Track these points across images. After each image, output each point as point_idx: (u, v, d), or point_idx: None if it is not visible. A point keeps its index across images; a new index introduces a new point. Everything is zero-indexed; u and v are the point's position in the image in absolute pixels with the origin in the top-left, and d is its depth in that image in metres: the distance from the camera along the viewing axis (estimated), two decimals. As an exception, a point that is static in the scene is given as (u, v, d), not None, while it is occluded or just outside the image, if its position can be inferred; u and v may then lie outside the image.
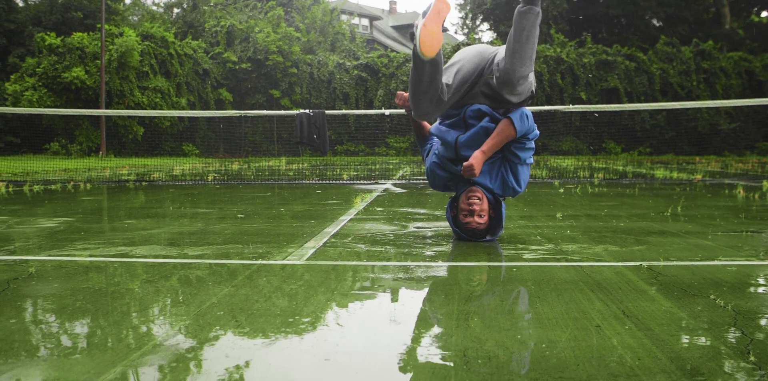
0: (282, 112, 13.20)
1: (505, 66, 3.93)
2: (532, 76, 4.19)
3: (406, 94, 4.36)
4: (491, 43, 31.87)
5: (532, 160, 4.35)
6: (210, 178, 11.98)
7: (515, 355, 2.02)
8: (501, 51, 4.13)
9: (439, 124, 4.46)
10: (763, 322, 2.40)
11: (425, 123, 4.75)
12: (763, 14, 39.99)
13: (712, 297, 2.75)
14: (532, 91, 4.22)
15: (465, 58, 4.22)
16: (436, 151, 4.50)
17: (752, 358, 1.98)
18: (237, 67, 29.36)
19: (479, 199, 4.20)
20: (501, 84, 4.02)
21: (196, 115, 23.15)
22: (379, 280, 3.18)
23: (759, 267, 3.48)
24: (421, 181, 10.94)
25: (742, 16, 38.46)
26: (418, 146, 4.83)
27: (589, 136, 27.98)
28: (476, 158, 4.12)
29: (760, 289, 2.99)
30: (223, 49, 29.83)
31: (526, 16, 3.86)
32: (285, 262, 3.61)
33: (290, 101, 29.58)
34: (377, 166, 17.07)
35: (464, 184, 4.35)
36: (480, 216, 4.20)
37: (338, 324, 2.40)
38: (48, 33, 26.80)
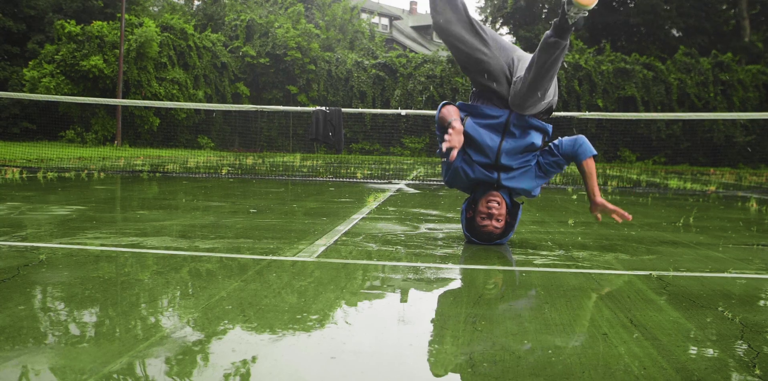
0: (298, 108, 13.25)
1: (519, 91, 4.05)
2: (552, 92, 4.22)
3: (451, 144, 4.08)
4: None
5: None
6: (224, 171, 12.03)
7: (521, 360, 2.02)
8: (523, 62, 4.19)
9: (473, 121, 4.27)
10: (771, 336, 2.39)
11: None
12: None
13: (720, 309, 2.74)
14: (552, 105, 4.29)
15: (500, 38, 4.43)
16: (465, 155, 4.32)
17: (757, 372, 1.98)
18: (255, 61, 29.42)
19: (498, 203, 4.23)
20: (512, 105, 4.18)
21: (212, 108, 23.22)
22: (388, 279, 3.19)
23: (770, 281, 3.46)
24: (435, 183, 10.93)
25: (762, 29, 38.19)
26: (438, 134, 4.49)
27: (605, 144, 27.89)
28: (606, 203, 4.36)
29: (770, 304, 2.98)
30: (242, 43, 29.89)
31: (551, 50, 3.85)
32: (295, 258, 3.62)
33: (307, 98, 29.61)
34: (391, 166, 17.09)
35: (486, 188, 4.33)
36: (498, 220, 4.22)
37: (346, 322, 2.41)
38: (68, 20, 26.92)
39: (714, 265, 3.83)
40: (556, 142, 4.37)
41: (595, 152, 4.33)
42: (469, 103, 4.42)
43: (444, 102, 4.37)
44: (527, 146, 4.25)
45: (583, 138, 4.34)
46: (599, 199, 4.36)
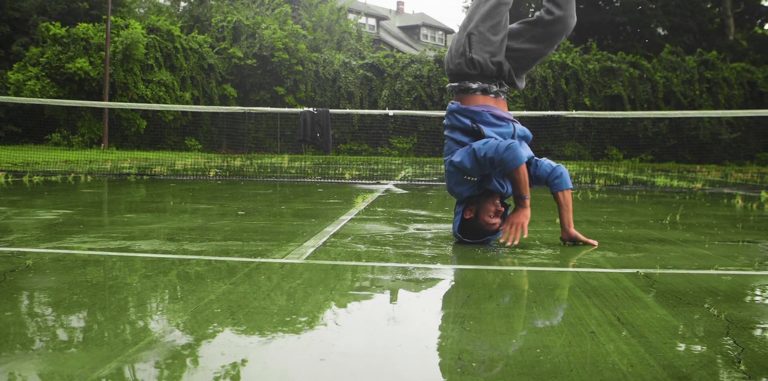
0: (286, 109, 13.25)
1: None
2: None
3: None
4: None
5: None
6: (212, 173, 12.00)
7: (510, 359, 2.03)
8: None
9: (488, 128, 4.28)
10: (755, 331, 2.41)
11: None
12: (767, 26, 40.06)
13: (706, 306, 2.76)
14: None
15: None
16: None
17: (742, 367, 2.00)
18: (242, 63, 29.35)
19: (503, 204, 4.38)
20: (559, 29, 4.42)
21: (199, 110, 23.12)
22: (377, 280, 3.19)
23: (753, 277, 3.49)
24: (423, 183, 10.95)
25: (746, 27, 38.52)
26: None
27: (592, 142, 28.00)
28: (578, 234, 4.44)
29: (754, 299, 3.00)
30: (229, 45, 29.81)
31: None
32: (284, 260, 3.62)
33: (295, 99, 29.56)
34: (380, 166, 17.09)
35: (489, 192, 4.36)
36: (501, 218, 4.34)
37: (335, 324, 2.41)
38: (53, 22, 26.74)
39: (700, 262, 3.86)
40: (535, 160, 4.44)
41: (571, 186, 4.39)
42: (473, 108, 4.34)
43: (512, 143, 4.06)
44: (529, 158, 4.37)
45: (562, 168, 4.39)
46: (573, 230, 4.42)
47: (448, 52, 4.52)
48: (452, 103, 4.45)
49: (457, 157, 4.21)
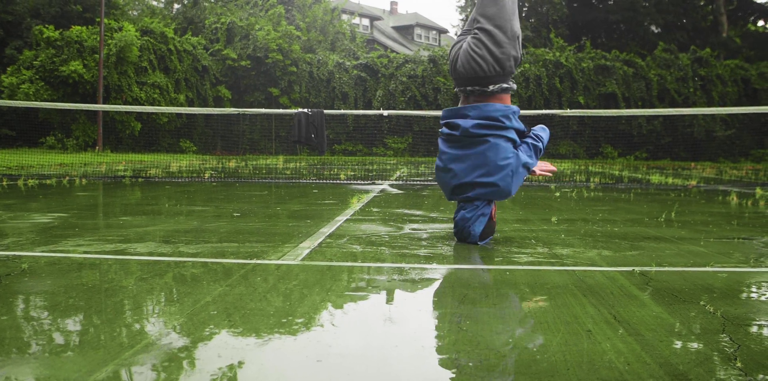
0: (280, 110, 13.22)
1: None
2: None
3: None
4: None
5: None
6: (207, 175, 11.98)
7: (506, 359, 2.03)
8: None
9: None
10: (751, 328, 2.42)
11: None
12: (760, 23, 40.20)
13: (702, 303, 2.77)
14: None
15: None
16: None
17: (739, 364, 2.00)
18: (236, 64, 29.31)
19: None
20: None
21: (194, 112, 23.09)
22: (373, 281, 3.19)
23: (749, 274, 3.50)
24: (418, 183, 10.94)
25: (739, 24, 38.62)
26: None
27: (587, 141, 28.02)
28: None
29: (750, 296, 3.01)
30: (223, 46, 29.77)
31: None
32: (280, 261, 3.62)
33: (289, 100, 29.53)
34: (375, 167, 17.07)
35: None
36: None
37: (332, 325, 2.41)
38: (46, 26, 26.67)
39: (696, 259, 3.87)
40: None
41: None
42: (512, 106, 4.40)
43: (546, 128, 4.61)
44: None
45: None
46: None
47: (485, 54, 4.24)
48: (507, 104, 4.35)
49: (527, 158, 4.32)
